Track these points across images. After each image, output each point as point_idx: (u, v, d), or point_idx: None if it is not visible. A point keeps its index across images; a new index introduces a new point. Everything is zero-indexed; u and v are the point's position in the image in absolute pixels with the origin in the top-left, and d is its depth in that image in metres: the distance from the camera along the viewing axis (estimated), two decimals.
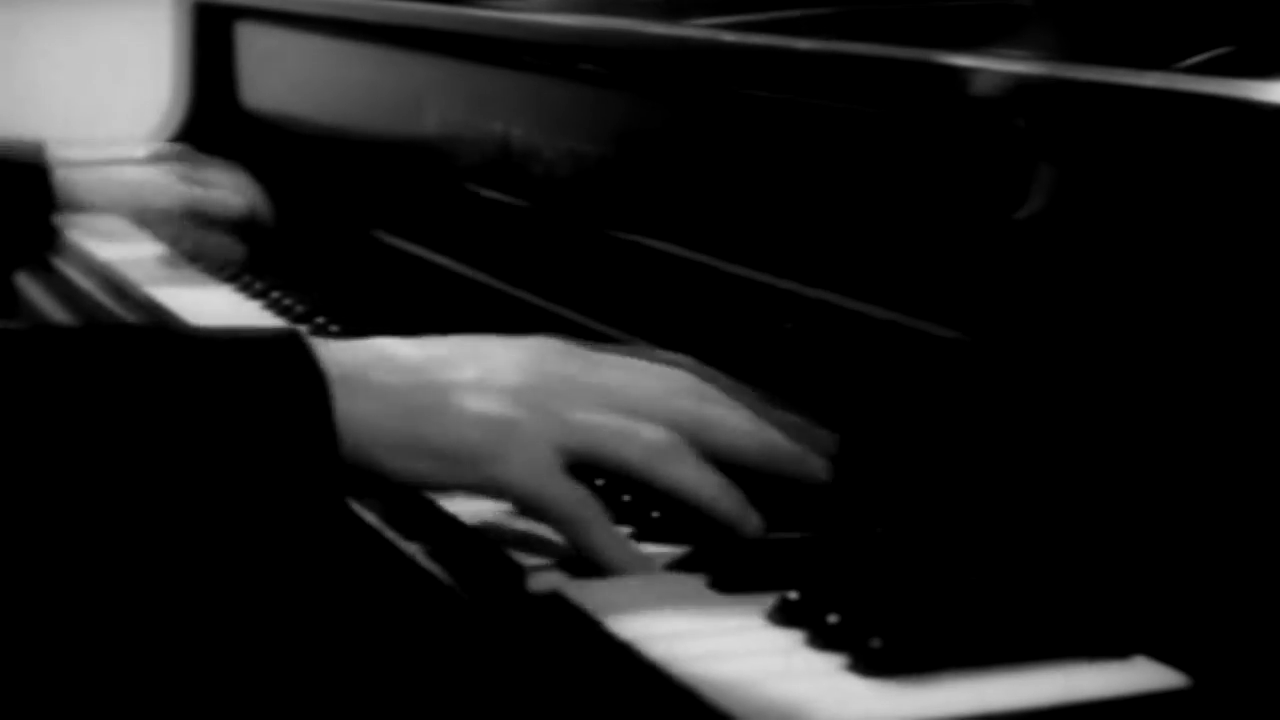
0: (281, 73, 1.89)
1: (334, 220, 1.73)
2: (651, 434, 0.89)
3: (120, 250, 1.69)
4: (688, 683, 0.76)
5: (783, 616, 0.82)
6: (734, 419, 0.92)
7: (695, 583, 0.87)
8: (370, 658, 0.96)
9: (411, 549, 0.94)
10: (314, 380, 0.85)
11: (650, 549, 0.92)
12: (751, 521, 0.91)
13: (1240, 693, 0.75)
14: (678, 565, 0.89)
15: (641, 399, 0.91)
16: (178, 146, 1.79)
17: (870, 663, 0.77)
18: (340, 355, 0.88)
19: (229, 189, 1.71)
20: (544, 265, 1.35)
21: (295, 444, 0.85)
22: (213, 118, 1.98)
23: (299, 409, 0.85)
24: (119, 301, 1.57)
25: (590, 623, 0.82)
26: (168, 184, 1.67)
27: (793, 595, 0.82)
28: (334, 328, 1.38)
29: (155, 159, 1.75)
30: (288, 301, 1.50)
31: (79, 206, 1.63)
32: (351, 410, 0.86)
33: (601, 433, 0.89)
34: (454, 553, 0.92)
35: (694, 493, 0.90)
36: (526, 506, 0.89)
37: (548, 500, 0.88)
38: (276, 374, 0.86)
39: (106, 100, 2.82)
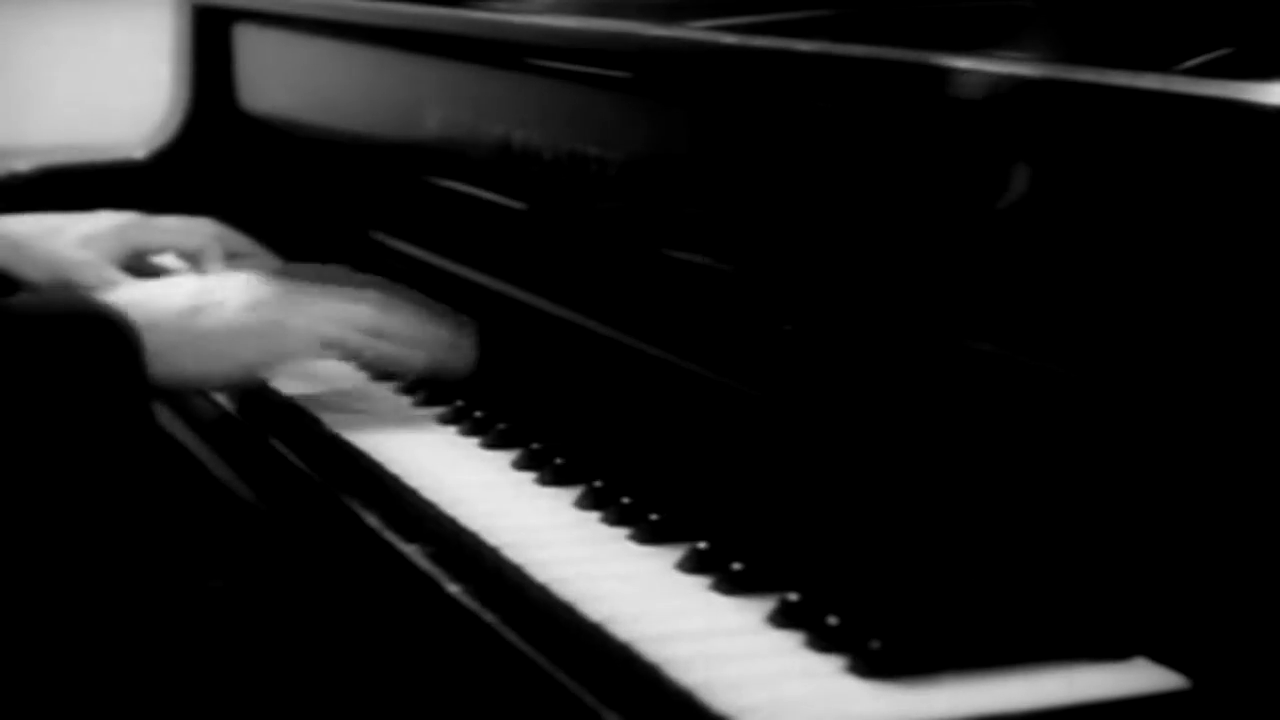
0: (280, 75, 1.89)
1: (333, 222, 1.73)
2: (366, 311, 1.20)
3: None
4: (686, 685, 0.76)
5: (783, 618, 0.82)
6: (402, 323, 1.22)
7: (696, 582, 0.87)
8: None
9: None
10: (123, 326, 1.12)
11: (649, 549, 0.92)
12: (463, 355, 1.23)
13: (1239, 694, 0.75)
14: (680, 567, 0.89)
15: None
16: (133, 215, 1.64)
17: (870, 664, 0.77)
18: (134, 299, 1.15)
19: (186, 235, 1.62)
20: (543, 266, 1.35)
21: (117, 381, 1.11)
22: (211, 120, 1.98)
23: (116, 353, 1.11)
24: None
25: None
26: (107, 248, 1.59)
27: (793, 597, 0.82)
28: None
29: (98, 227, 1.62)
30: None
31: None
32: (156, 341, 1.13)
33: (335, 314, 1.19)
34: None
35: (410, 356, 1.22)
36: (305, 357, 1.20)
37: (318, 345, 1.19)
38: (90, 327, 1.12)
39: (105, 102, 2.82)
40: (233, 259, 1.60)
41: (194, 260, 1.61)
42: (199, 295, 1.18)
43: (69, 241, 1.57)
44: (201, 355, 1.15)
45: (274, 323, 1.18)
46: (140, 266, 1.59)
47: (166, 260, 1.62)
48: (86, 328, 1.12)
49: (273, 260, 1.59)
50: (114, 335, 1.11)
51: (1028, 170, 0.90)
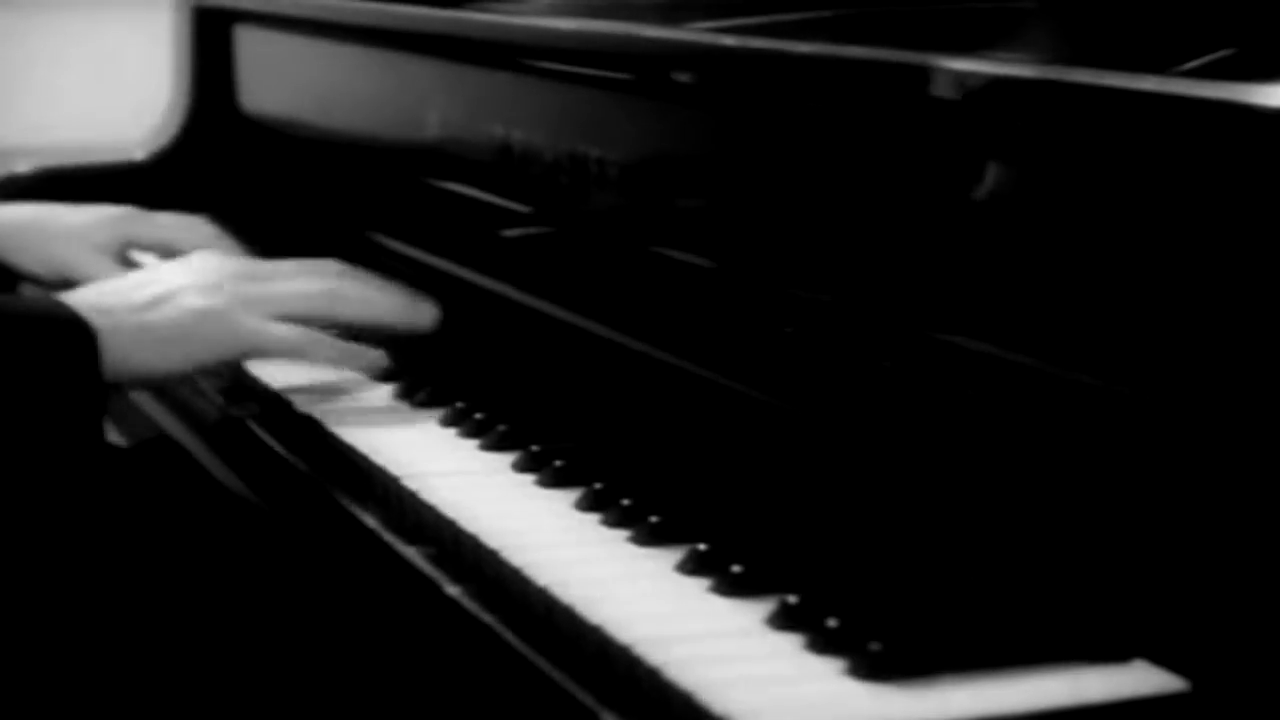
0: (280, 76, 1.89)
1: (332, 223, 1.73)
2: (318, 285, 1.22)
3: None
4: (686, 686, 0.76)
5: (783, 620, 0.82)
6: (358, 289, 1.24)
7: (696, 584, 0.87)
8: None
9: None
10: (78, 327, 1.13)
11: (650, 551, 0.92)
12: (425, 313, 1.26)
13: (1239, 696, 0.75)
14: (681, 568, 0.89)
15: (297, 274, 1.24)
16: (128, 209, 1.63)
17: (870, 666, 0.77)
18: (84, 297, 1.18)
19: (180, 230, 1.61)
20: (543, 268, 1.35)
21: (71, 383, 1.12)
22: (211, 121, 1.98)
23: (70, 354, 1.12)
24: None
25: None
26: (99, 240, 1.58)
27: (792, 599, 0.82)
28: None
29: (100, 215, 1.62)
30: None
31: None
32: (108, 340, 1.13)
33: (287, 299, 1.20)
34: None
35: (372, 316, 1.24)
36: (262, 355, 1.21)
37: (273, 344, 1.19)
38: (47, 329, 1.13)
39: (106, 103, 2.82)
40: None
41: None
42: (150, 286, 1.19)
43: (62, 230, 1.56)
44: (158, 349, 1.16)
45: (224, 310, 1.18)
46: (128, 262, 1.58)
47: (148, 261, 1.60)
48: (42, 329, 1.13)
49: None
50: (70, 336, 1.12)
51: (1028, 172, 0.90)
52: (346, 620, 1.08)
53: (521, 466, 1.06)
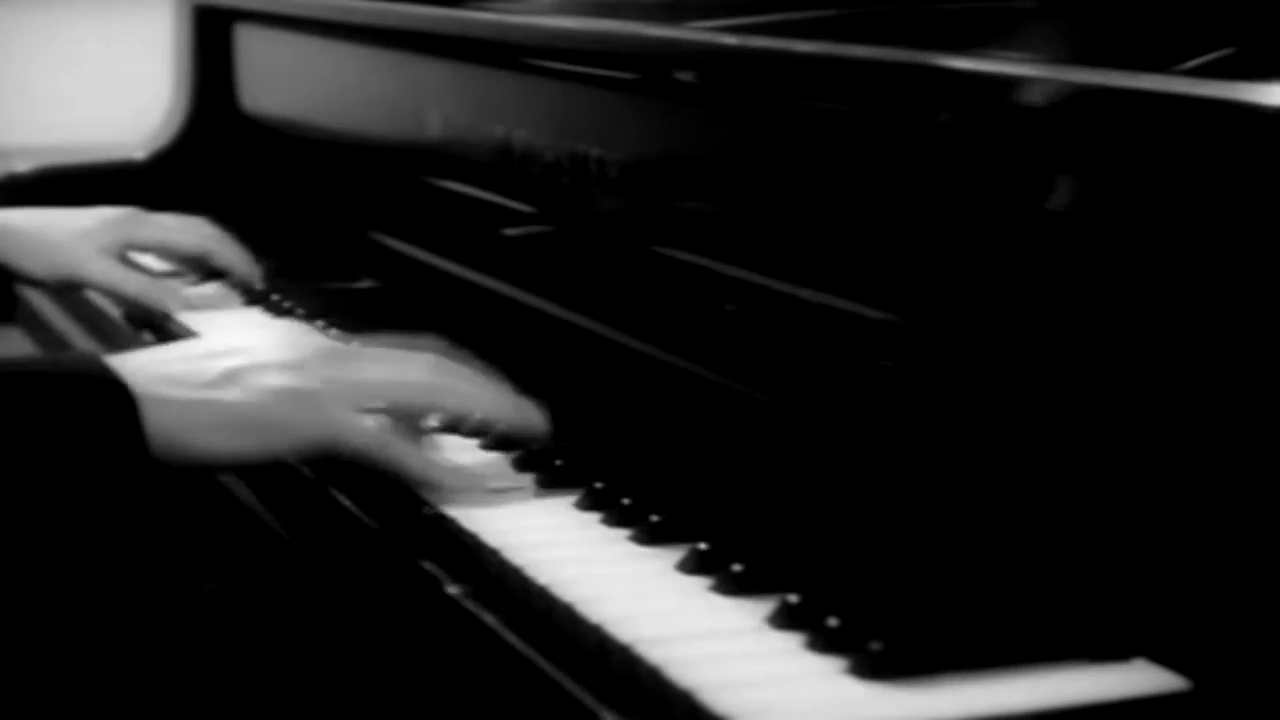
0: (281, 75, 1.89)
1: (333, 222, 1.73)
2: (419, 375, 1.05)
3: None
4: (686, 685, 0.76)
5: (783, 619, 0.82)
6: (466, 388, 1.06)
7: (696, 584, 0.87)
8: None
9: None
10: (121, 395, 0.98)
11: (650, 550, 0.92)
12: (533, 414, 1.07)
13: (1240, 695, 0.75)
14: (681, 568, 0.89)
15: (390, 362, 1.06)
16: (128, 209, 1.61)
17: (870, 665, 0.77)
18: (145, 364, 1.02)
19: (181, 231, 1.60)
20: (544, 267, 1.35)
21: (109, 456, 0.97)
22: (212, 121, 1.98)
23: (109, 424, 0.98)
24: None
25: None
26: (102, 242, 1.55)
27: (793, 598, 0.82)
28: (334, 331, 1.38)
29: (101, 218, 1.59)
30: (288, 304, 1.50)
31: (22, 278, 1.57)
32: (163, 414, 0.99)
33: (385, 387, 1.04)
34: None
35: (478, 412, 1.08)
36: (344, 448, 1.02)
37: (358, 439, 1.02)
38: (85, 395, 0.98)
39: (106, 103, 2.82)
40: (213, 275, 1.58)
41: (179, 262, 1.61)
42: (224, 359, 1.03)
43: (65, 234, 1.56)
44: (226, 431, 1.00)
45: (311, 393, 1.02)
46: (128, 263, 1.58)
47: (148, 261, 1.61)
48: (79, 399, 0.98)
49: (256, 270, 1.57)
50: (108, 402, 0.98)
51: (1028, 171, 0.90)
52: (345, 618, 1.08)
53: (522, 466, 1.06)
